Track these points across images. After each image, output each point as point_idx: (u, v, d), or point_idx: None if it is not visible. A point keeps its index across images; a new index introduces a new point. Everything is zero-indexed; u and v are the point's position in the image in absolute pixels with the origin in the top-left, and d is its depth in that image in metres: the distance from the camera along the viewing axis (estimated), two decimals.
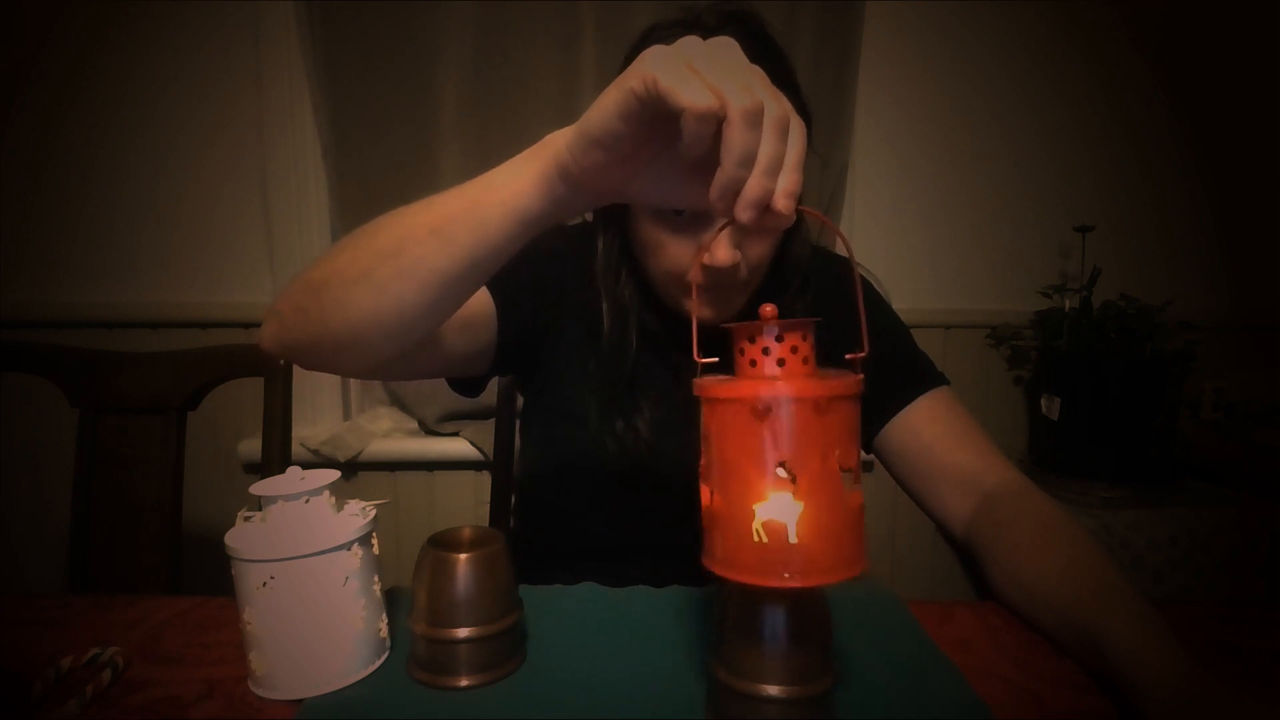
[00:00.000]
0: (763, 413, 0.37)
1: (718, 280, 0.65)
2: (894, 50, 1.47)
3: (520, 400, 0.87)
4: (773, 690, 0.41)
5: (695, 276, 0.64)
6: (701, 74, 0.37)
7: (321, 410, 1.51)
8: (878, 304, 0.80)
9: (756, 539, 0.37)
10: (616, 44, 1.38)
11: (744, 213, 0.38)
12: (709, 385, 0.39)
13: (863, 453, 0.75)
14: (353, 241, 0.52)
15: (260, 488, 0.49)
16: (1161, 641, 0.45)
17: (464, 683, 0.49)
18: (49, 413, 1.42)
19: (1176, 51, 1.51)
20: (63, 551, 0.96)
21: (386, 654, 0.53)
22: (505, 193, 0.46)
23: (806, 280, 0.74)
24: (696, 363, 0.43)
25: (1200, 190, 1.56)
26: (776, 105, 0.37)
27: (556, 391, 0.76)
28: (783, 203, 0.38)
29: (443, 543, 0.51)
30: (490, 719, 0.46)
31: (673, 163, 0.43)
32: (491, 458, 1.09)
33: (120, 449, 0.96)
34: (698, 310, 0.67)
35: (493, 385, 0.81)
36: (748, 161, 0.37)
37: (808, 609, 0.41)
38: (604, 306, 0.73)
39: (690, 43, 0.39)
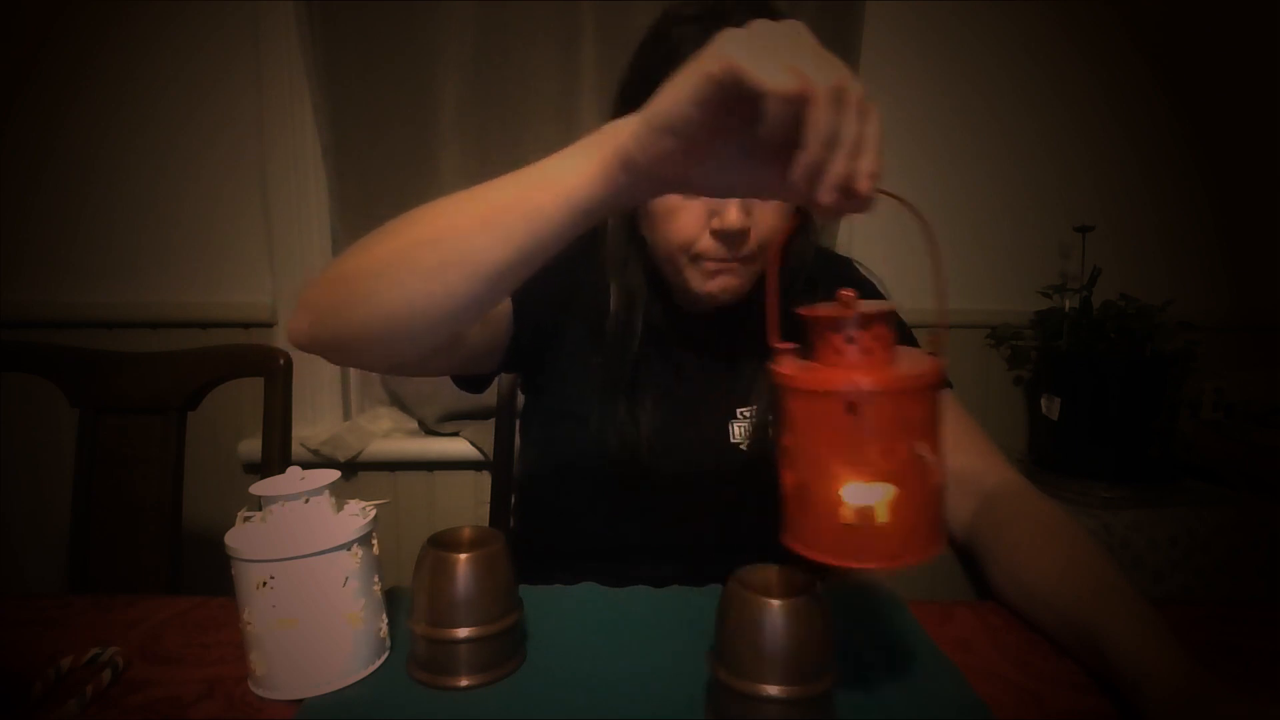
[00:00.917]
0: (856, 403, 0.37)
1: (727, 246, 0.65)
2: (894, 50, 1.47)
3: (520, 400, 0.88)
4: (773, 690, 0.41)
5: (706, 245, 0.64)
6: (780, 55, 0.36)
7: (321, 410, 1.51)
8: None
9: (844, 522, 0.38)
10: (616, 44, 1.38)
11: (827, 194, 0.37)
12: (795, 374, 0.40)
13: None
14: (392, 232, 0.51)
15: (260, 488, 0.49)
16: (1162, 641, 0.45)
17: (464, 683, 0.49)
18: (49, 413, 1.42)
19: (1176, 51, 1.51)
20: (63, 551, 0.96)
21: (386, 654, 0.53)
22: (562, 183, 0.45)
23: (814, 281, 0.74)
24: (775, 348, 0.43)
25: (1200, 190, 1.56)
26: (857, 85, 0.37)
27: (559, 390, 0.76)
28: (865, 184, 0.37)
29: (443, 543, 0.51)
30: (490, 719, 0.46)
31: (739, 147, 0.42)
32: (491, 458, 1.09)
33: (120, 449, 0.96)
34: (703, 284, 0.67)
35: (493, 384, 0.81)
36: (832, 142, 0.36)
37: (808, 609, 0.41)
38: (611, 290, 0.73)
39: (762, 26, 0.38)
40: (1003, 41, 1.49)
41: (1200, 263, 1.58)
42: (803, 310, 0.41)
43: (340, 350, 0.55)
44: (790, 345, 0.43)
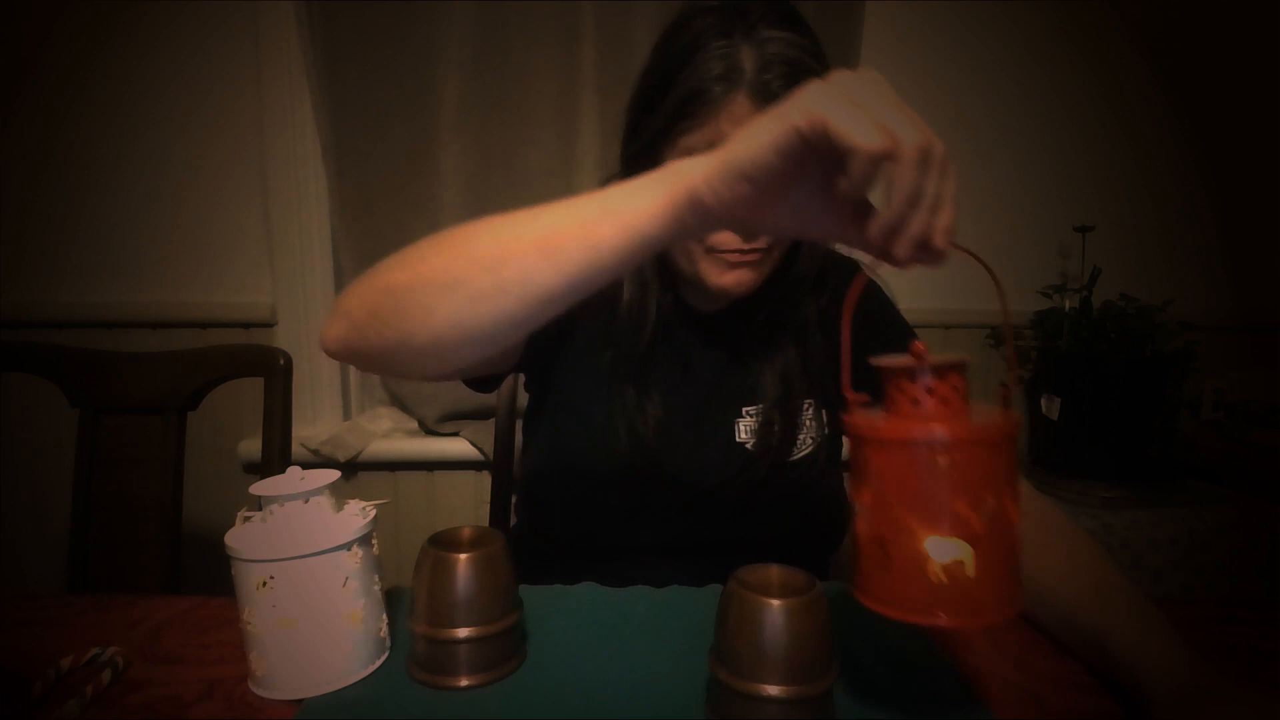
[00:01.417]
0: (945, 454, 0.37)
1: (743, 237, 0.64)
2: (894, 50, 1.47)
3: (523, 398, 0.87)
4: (773, 690, 0.41)
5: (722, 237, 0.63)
6: (868, 111, 0.37)
7: (321, 410, 1.51)
8: (888, 307, 0.80)
9: (930, 579, 0.37)
10: (616, 44, 1.38)
11: (904, 250, 0.39)
12: (876, 425, 0.39)
13: None
14: (442, 247, 0.50)
15: (260, 488, 0.49)
16: (1165, 638, 0.46)
17: (464, 683, 0.49)
18: (49, 413, 1.42)
19: (1176, 51, 1.51)
20: (63, 551, 0.96)
21: (386, 654, 0.53)
22: (625, 217, 0.45)
23: (823, 279, 0.74)
24: (848, 398, 0.43)
25: (1200, 190, 1.56)
26: (939, 142, 0.37)
27: (568, 386, 0.76)
28: (941, 240, 0.38)
29: (443, 543, 0.51)
30: (490, 719, 0.46)
31: (812, 193, 0.43)
32: (491, 458, 1.09)
33: (120, 449, 0.96)
34: (719, 278, 0.67)
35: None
36: (915, 200, 0.37)
37: (808, 609, 0.41)
38: (625, 280, 0.72)
39: (846, 78, 0.38)
40: (1003, 41, 1.49)
41: (1200, 263, 1.58)
42: (880, 361, 0.41)
43: (375, 360, 0.55)
44: (862, 396, 0.43)
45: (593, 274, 0.46)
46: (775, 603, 0.41)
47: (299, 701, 0.48)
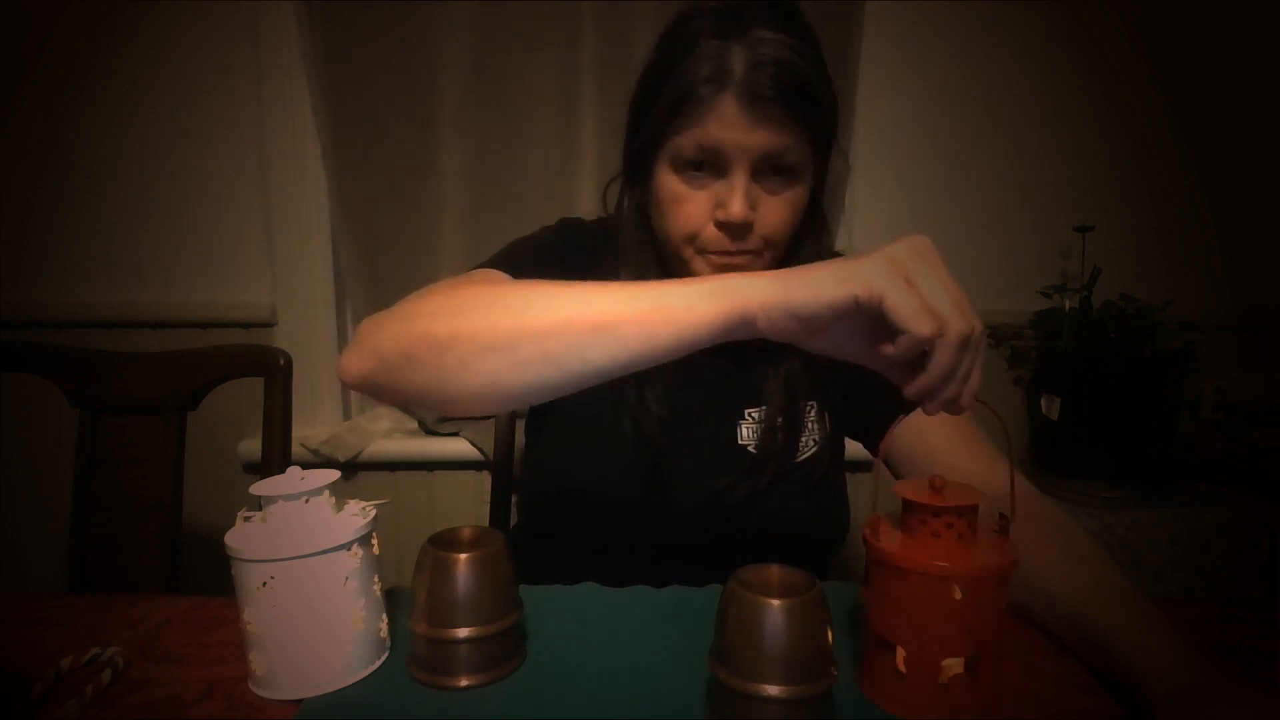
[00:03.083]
0: (956, 589, 0.43)
1: (731, 237, 0.65)
2: (894, 50, 1.47)
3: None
4: (773, 690, 0.41)
5: (711, 235, 0.65)
6: (921, 293, 0.42)
7: (321, 410, 1.51)
8: None
9: (937, 688, 0.44)
10: (616, 44, 1.38)
11: (933, 409, 0.45)
12: (898, 554, 0.44)
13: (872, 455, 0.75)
14: (489, 305, 0.51)
15: (260, 488, 0.49)
16: (1166, 638, 0.46)
17: (464, 683, 0.49)
18: (49, 413, 1.42)
19: (1176, 51, 1.51)
20: (63, 551, 0.96)
21: (386, 654, 0.53)
22: (680, 318, 0.47)
23: None
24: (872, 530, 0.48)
25: (1200, 190, 1.55)
26: (979, 325, 0.43)
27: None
28: (967, 401, 0.45)
29: (443, 543, 0.51)
30: (490, 719, 0.46)
31: (854, 330, 0.47)
32: (492, 458, 1.09)
33: (120, 449, 0.96)
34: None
35: None
36: (950, 374, 0.43)
37: (808, 609, 0.41)
38: (622, 277, 0.72)
39: (903, 252, 0.43)
40: (1003, 41, 1.49)
41: (1200, 263, 1.57)
42: (905, 494, 0.46)
43: (398, 398, 0.56)
44: (884, 525, 0.48)
45: (642, 361, 0.49)
46: (775, 603, 0.41)
47: (299, 701, 0.48)
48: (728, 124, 0.61)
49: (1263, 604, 0.61)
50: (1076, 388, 1.37)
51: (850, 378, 0.73)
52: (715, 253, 0.66)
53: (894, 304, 0.41)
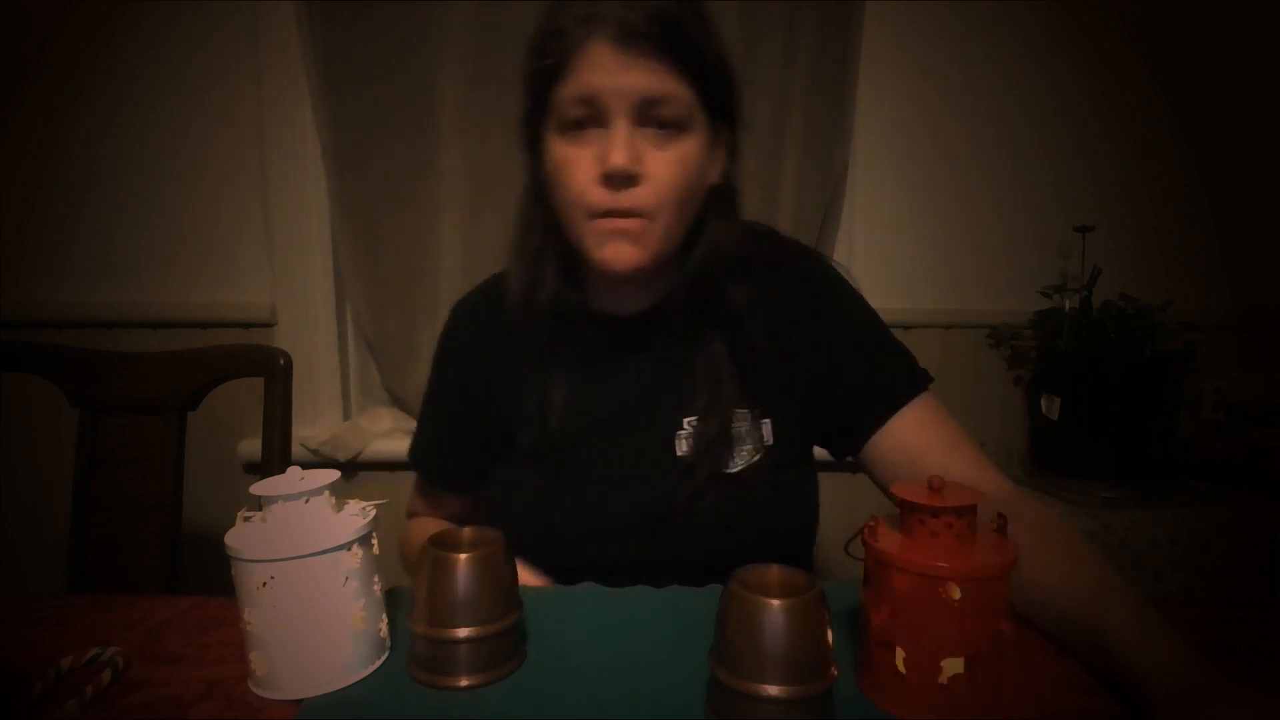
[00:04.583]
0: (955, 588, 0.43)
1: (614, 189, 0.62)
2: (894, 50, 1.47)
3: None
4: (773, 690, 0.41)
5: (599, 198, 0.62)
6: None
7: (321, 410, 1.51)
8: (851, 296, 0.76)
9: (937, 689, 0.44)
10: None
11: None
12: (898, 555, 0.44)
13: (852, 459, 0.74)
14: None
15: (260, 488, 0.49)
16: (1165, 637, 0.46)
17: (464, 683, 0.49)
18: (49, 413, 1.42)
19: (1176, 51, 1.51)
20: (63, 551, 0.96)
21: (386, 654, 0.53)
22: None
23: (746, 262, 0.70)
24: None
25: (1200, 190, 1.55)
26: None
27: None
28: None
29: (443, 543, 0.51)
30: (490, 719, 0.46)
31: None
32: None
33: (120, 449, 0.96)
34: (608, 254, 0.64)
35: None
36: None
37: (808, 609, 0.41)
38: (521, 282, 0.72)
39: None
40: (1002, 42, 1.49)
41: (1200, 263, 1.58)
42: (903, 495, 0.46)
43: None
44: (883, 524, 0.48)
45: None
46: (775, 603, 0.41)
47: (299, 701, 0.48)
48: (600, 66, 0.59)
49: (1263, 604, 0.61)
50: (1076, 388, 1.37)
51: (816, 387, 0.72)
52: (604, 214, 0.62)
53: None
